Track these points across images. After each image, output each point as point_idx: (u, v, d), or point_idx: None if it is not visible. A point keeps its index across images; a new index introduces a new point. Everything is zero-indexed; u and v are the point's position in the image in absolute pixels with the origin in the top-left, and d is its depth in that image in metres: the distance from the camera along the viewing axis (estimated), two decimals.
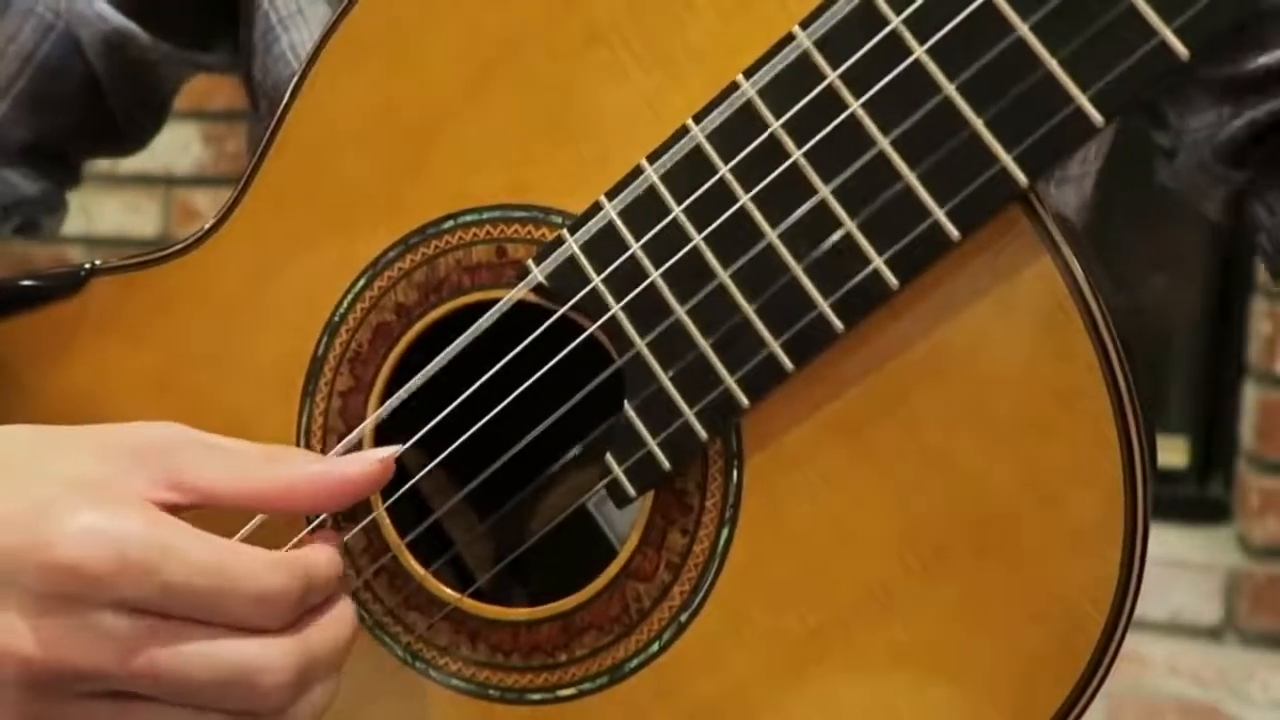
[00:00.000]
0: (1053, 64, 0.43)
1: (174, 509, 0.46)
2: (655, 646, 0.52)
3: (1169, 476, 1.98)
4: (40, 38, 0.72)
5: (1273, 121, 0.65)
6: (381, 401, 0.55)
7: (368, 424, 0.55)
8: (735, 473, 0.50)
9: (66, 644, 0.43)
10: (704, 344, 0.48)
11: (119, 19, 0.72)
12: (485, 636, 0.55)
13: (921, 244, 0.45)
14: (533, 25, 0.51)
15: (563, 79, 0.51)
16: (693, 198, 0.48)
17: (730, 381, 0.48)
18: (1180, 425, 2.03)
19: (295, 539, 0.54)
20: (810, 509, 0.49)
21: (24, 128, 0.74)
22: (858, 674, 0.49)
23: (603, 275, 0.50)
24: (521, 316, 0.52)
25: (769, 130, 0.47)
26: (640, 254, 0.49)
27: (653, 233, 0.49)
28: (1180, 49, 0.41)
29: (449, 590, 0.55)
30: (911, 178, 0.45)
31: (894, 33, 0.45)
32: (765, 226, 0.47)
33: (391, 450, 0.50)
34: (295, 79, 0.55)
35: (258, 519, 0.51)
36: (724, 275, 0.48)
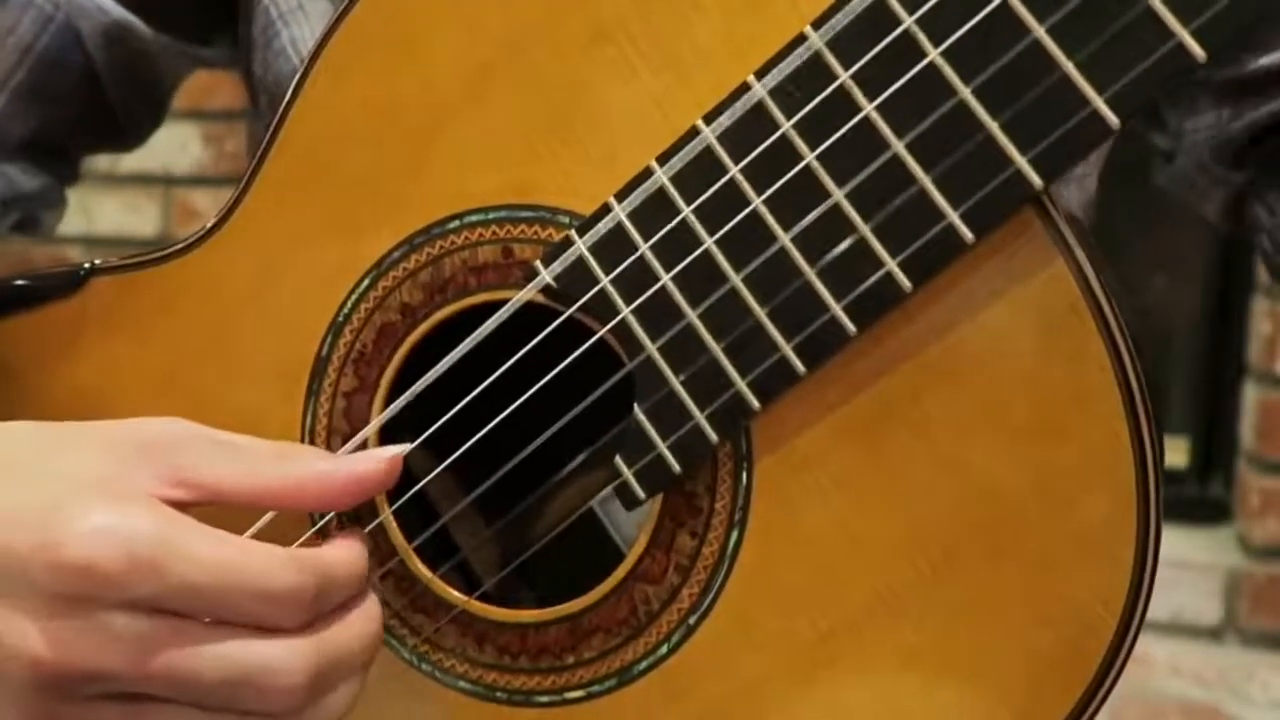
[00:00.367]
0: (1069, 66, 0.43)
1: (181, 505, 0.46)
2: (664, 649, 0.51)
3: (1169, 476, 1.98)
4: (40, 29, 0.72)
5: (1273, 123, 0.65)
6: (386, 403, 0.55)
7: (373, 425, 0.55)
8: (745, 475, 0.50)
9: (77, 645, 0.43)
10: (715, 347, 0.48)
11: (119, 11, 0.72)
12: (492, 639, 0.54)
13: (935, 246, 0.45)
14: (538, 23, 0.51)
15: (569, 78, 0.51)
16: (704, 200, 0.48)
17: (741, 385, 0.48)
18: (1180, 425, 2.04)
19: (302, 538, 0.54)
20: (820, 512, 0.49)
21: (23, 121, 0.73)
22: (868, 677, 0.49)
23: (611, 277, 0.50)
24: (529, 318, 0.51)
25: (781, 132, 0.47)
26: (650, 256, 0.49)
27: (663, 235, 0.49)
28: (1197, 50, 0.41)
29: (456, 593, 0.55)
30: (926, 180, 0.45)
31: (907, 34, 0.44)
32: (778, 229, 0.47)
33: (399, 449, 0.50)
34: (297, 77, 0.55)
35: (266, 517, 0.51)
36: (736, 278, 0.48)
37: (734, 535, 0.50)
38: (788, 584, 0.49)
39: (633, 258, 0.49)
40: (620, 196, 0.49)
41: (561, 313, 0.51)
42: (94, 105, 0.75)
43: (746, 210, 0.47)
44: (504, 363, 0.51)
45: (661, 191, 0.49)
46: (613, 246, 0.50)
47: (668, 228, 0.49)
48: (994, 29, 0.43)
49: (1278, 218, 0.67)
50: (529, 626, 0.54)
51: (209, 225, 0.58)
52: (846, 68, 0.45)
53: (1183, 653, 1.88)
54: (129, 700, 0.44)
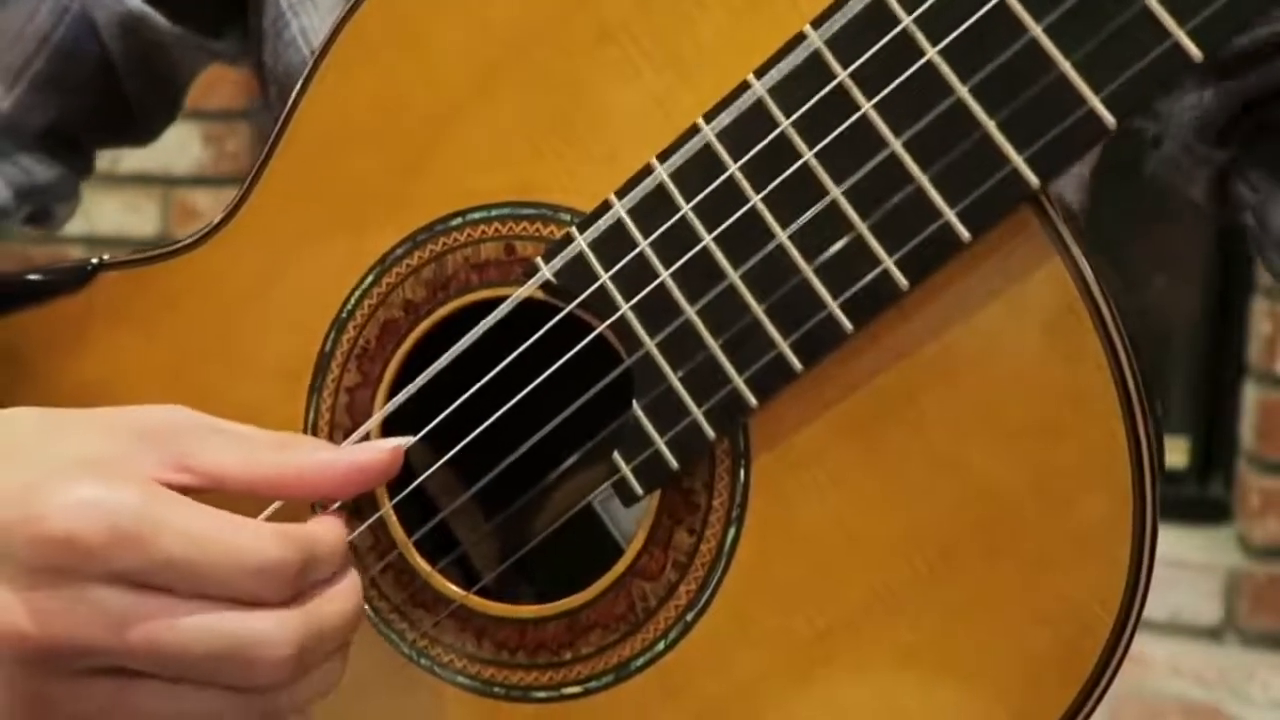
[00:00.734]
0: (1066, 66, 0.43)
1: (182, 491, 0.46)
2: (661, 645, 0.52)
3: (1169, 476, 1.99)
4: (57, 19, 0.72)
5: (1251, 101, 0.65)
6: (388, 398, 0.55)
7: (375, 419, 0.55)
8: (742, 472, 0.50)
9: (61, 618, 0.43)
10: (713, 344, 0.48)
11: (135, 2, 0.72)
12: (491, 634, 0.54)
13: (932, 245, 0.45)
14: (543, 22, 0.51)
15: (572, 77, 0.51)
16: (703, 197, 0.48)
17: (739, 381, 0.48)
18: (1180, 425, 2.04)
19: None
20: (818, 509, 0.49)
21: (42, 111, 0.73)
22: (865, 675, 0.49)
23: (611, 273, 0.50)
24: (530, 314, 0.51)
25: (779, 130, 0.47)
26: (649, 252, 0.49)
27: (662, 232, 0.49)
28: (1194, 50, 0.41)
29: (455, 587, 0.55)
30: (923, 179, 0.45)
31: (905, 33, 0.45)
32: (775, 227, 0.47)
33: (401, 440, 0.50)
34: (304, 74, 0.55)
35: (269, 509, 0.51)
36: (734, 275, 0.48)
37: (731, 532, 0.50)
38: (785, 581, 0.49)
39: (632, 254, 0.49)
40: (620, 194, 0.50)
41: (561, 309, 0.51)
42: (109, 97, 0.75)
43: (745, 208, 0.47)
44: (504, 359, 0.52)
45: (661, 189, 0.49)
46: (612, 243, 0.50)
47: (667, 225, 0.49)
48: (991, 28, 0.43)
49: (1260, 194, 0.67)
50: (527, 622, 0.54)
51: (215, 222, 0.58)
52: (845, 66, 0.46)
53: (1182, 652, 1.88)
54: (116, 676, 0.44)
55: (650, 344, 0.49)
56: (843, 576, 0.49)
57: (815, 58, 0.46)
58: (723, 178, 0.48)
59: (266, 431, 0.49)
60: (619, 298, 0.50)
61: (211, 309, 0.58)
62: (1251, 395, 1.95)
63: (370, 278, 0.55)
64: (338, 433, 0.56)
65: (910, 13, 0.45)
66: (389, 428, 0.55)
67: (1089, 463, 0.46)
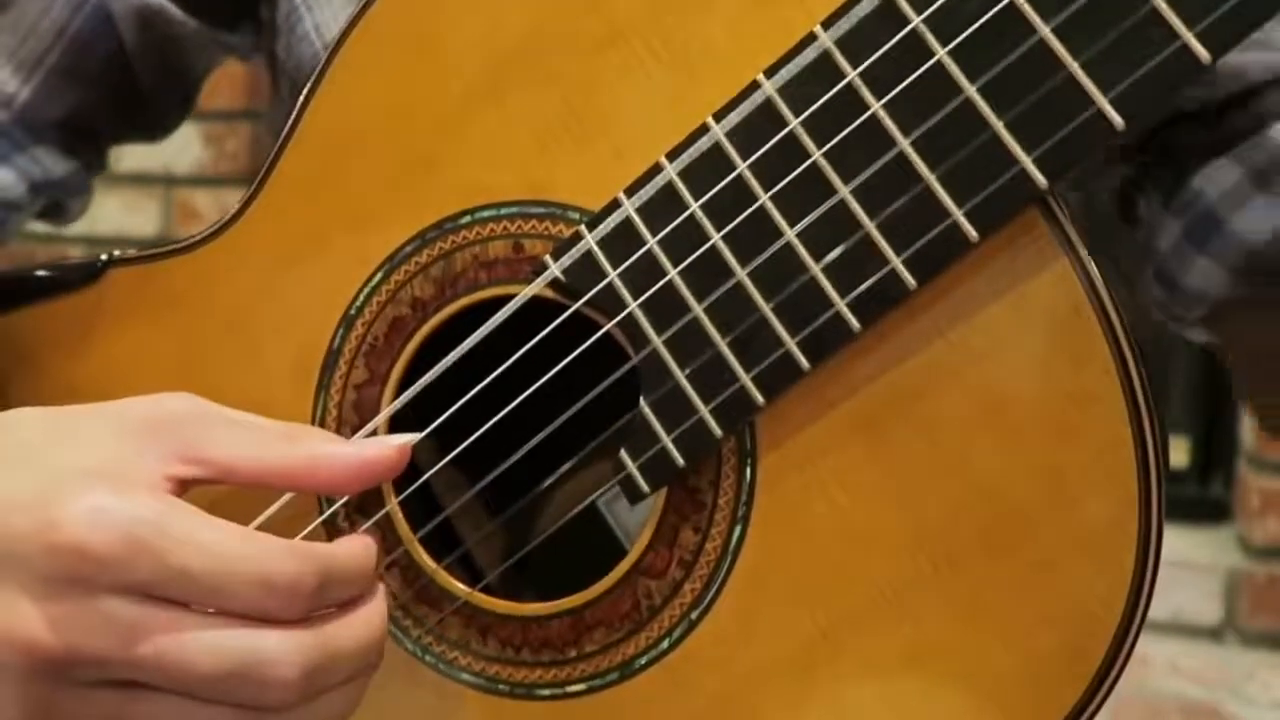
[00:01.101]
0: (1075, 67, 0.43)
1: (191, 482, 0.46)
2: (665, 644, 0.52)
3: (1170, 476, 1.98)
4: (74, 11, 0.72)
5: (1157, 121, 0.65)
6: (396, 395, 0.55)
7: (382, 416, 0.55)
8: (748, 471, 0.50)
9: (72, 628, 0.43)
10: (721, 342, 0.48)
11: None
12: (495, 631, 0.55)
13: (940, 245, 0.45)
14: (553, 22, 0.51)
15: (582, 76, 0.51)
16: (711, 195, 0.48)
17: (746, 380, 0.48)
18: (1180, 425, 2.03)
19: (307, 529, 0.54)
20: (823, 508, 0.49)
21: (57, 103, 0.74)
22: (869, 674, 0.49)
23: (619, 271, 0.50)
24: (538, 312, 0.51)
25: (789, 129, 0.47)
26: (658, 251, 0.49)
27: (671, 230, 0.49)
28: (1202, 53, 0.41)
29: (460, 585, 0.55)
30: (931, 179, 0.45)
31: (915, 33, 0.45)
32: (784, 225, 0.47)
33: (410, 436, 0.50)
34: (315, 72, 0.55)
35: (277, 504, 0.51)
36: (742, 274, 0.48)
37: (737, 531, 0.50)
38: (790, 580, 0.50)
39: (640, 252, 0.49)
40: (630, 192, 0.50)
41: (569, 307, 0.51)
42: (124, 90, 0.75)
43: (754, 206, 0.48)
44: (512, 356, 0.52)
45: (670, 187, 0.49)
46: (621, 241, 0.50)
47: (676, 223, 0.49)
48: (1001, 29, 0.44)
49: (1150, 217, 0.67)
50: (532, 620, 0.54)
51: (225, 218, 0.58)
52: (855, 66, 0.46)
53: (1183, 652, 1.88)
54: (123, 688, 0.44)
55: (658, 342, 0.49)
56: (848, 575, 0.49)
57: (825, 57, 0.46)
58: (731, 176, 0.48)
59: (277, 423, 0.48)
60: (627, 295, 0.50)
61: (221, 305, 0.58)
62: None
63: (379, 275, 0.55)
64: (345, 429, 0.56)
65: (920, 13, 0.45)
66: (396, 425, 0.55)
67: (1095, 464, 0.46)
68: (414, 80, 0.54)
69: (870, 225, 0.46)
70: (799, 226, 0.47)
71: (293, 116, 0.56)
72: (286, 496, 0.51)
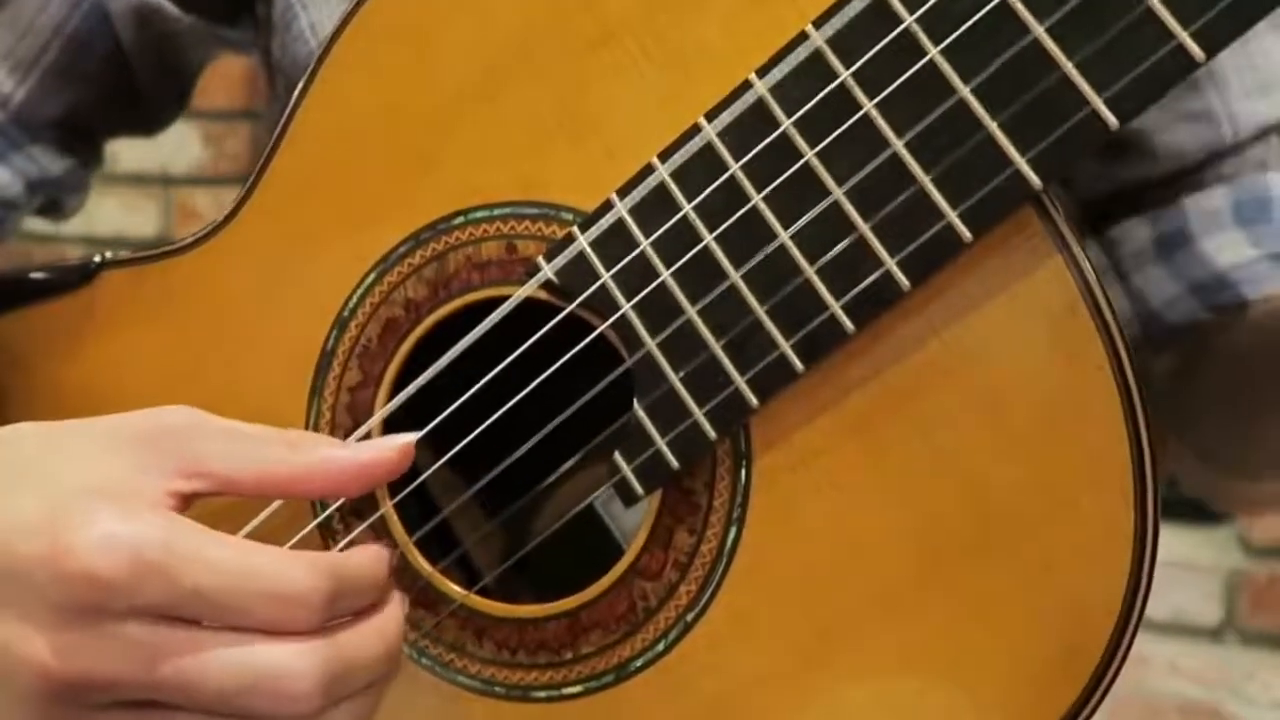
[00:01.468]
0: (1069, 67, 0.43)
1: (194, 496, 0.46)
2: (661, 646, 0.52)
3: (1169, 477, 1.98)
4: (71, 10, 0.72)
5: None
6: (390, 397, 0.55)
7: (376, 418, 0.55)
8: (743, 472, 0.50)
9: (85, 654, 0.43)
10: (714, 344, 0.48)
11: None
12: (491, 634, 0.54)
13: (934, 246, 0.45)
14: (546, 21, 0.51)
15: (575, 76, 0.51)
16: (704, 197, 0.48)
17: (740, 382, 0.48)
18: None
19: (301, 533, 0.54)
20: (818, 509, 0.49)
21: (53, 102, 0.74)
22: (865, 676, 0.49)
23: (612, 272, 0.50)
24: (532, 314, 0.51)
25: (781, 129, 0.47)
26: (650, 252, 0.49)
27: (663, 231, 0.49)
28: (1197, 51, 0.41)
29: (456, 587, 0.55)
30: (925, 179, 0.45)
31: (907, 32, 0.45)
32: (777, 227, 0.47)
33: (410, 436, 0.50)
34: (308, 71, 0.55)
35: (269, 509, 0.51)
36: (735, 275, 0.48)
37: (732, 532, 0.50)
38: (785, 581, 0.49)
39: (633, 253, 0.49)
40: (622, 193, 0.50)
41: (563, 309, 0.51)
42: (121, 88, 0.75)
43: (746, 207, 0.47)
44: (506, 358, 0.52)
45: (662, 188, 0.49)
46: (614, 242, 0.50)
47: (668, 224, 0.49)
48: (994, 28, 0.43)
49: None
50: (527, 622, 0.54)
51: (218, 220, 0.58)
52: (847, 66, 0.46)
53: (1182, 652, 1.88)
54: (141, 709, 0.44)
55: (651, 344, 0.49)
56: (843, 577, 0.49)
57: (817, 57, 0.46)
58: (724, 177, 0.48)
59: (274, 430, 0.48)
60: (620, 297, 0.50)
61: (214, 307, 0.58)
62: None
63: (372, 276, 0.55)
64: (339, 431, 0.56)
65: (912, 12, 0.44)
66: (390, 427, 0.55)
67: (1090, 463, 0.46)
68: (406, 79, 0.54)
69: (864, 227, 0.46)
70: (792, 228, 0.47)
71: (285, 115, 0.56)
72: (278, 502, 0.51)
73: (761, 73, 0.47)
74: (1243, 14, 0.41)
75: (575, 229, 0.51)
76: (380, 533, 0.55)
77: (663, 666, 0.52)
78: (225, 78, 1.93)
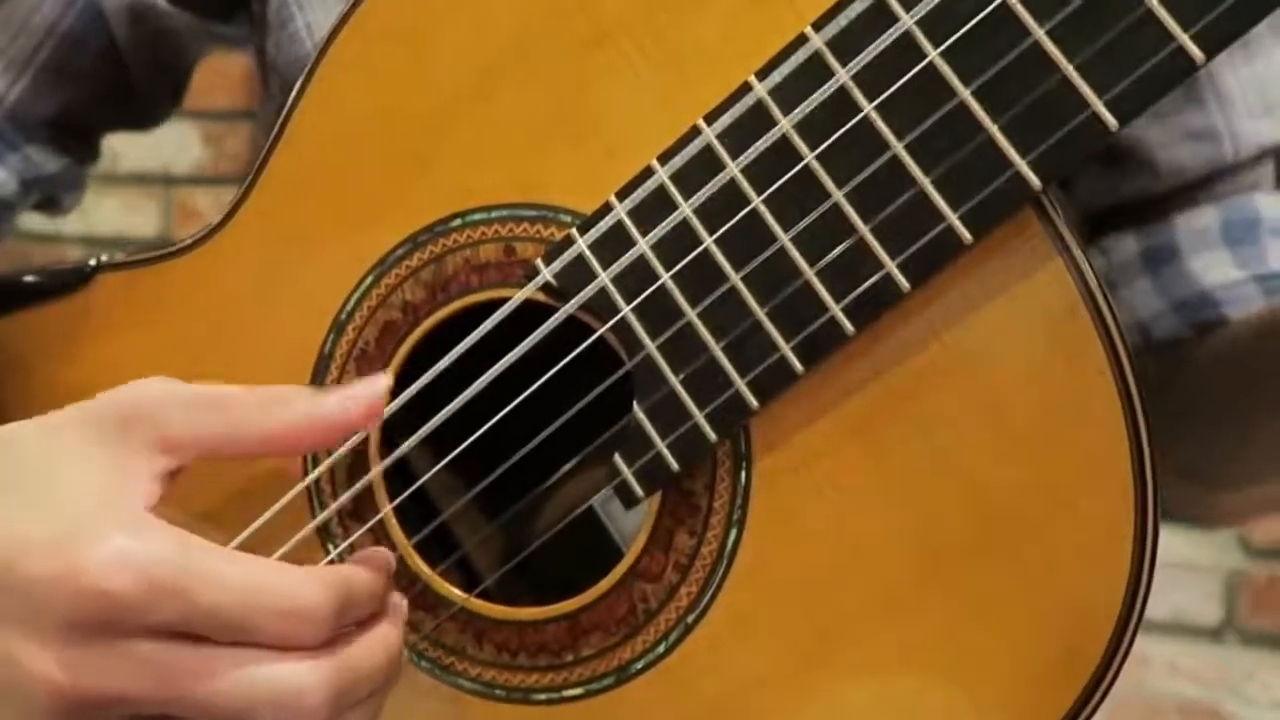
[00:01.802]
0: (1069, 69, 0.43)
1: (180, 469, 0.46)
2: (662, 648, 0.52)
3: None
4: (65, 8, 0.72)
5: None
6: (388, 400, 0.55)
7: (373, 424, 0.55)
8: (743, 474, 0.50)
9: (96, 671, 0.43)
10: (715, 346, 0.48)
11: None
12: (491, 636, 0.54)
13: (934, 247, 0.45)
14: (543, 22, 0.51)
15: (572, 77, 0.51)
16: (704, 199, 0.48)
17: (740, 384, 0.48)
18: None
19: (299, 535, 0.54)
20: (819, 511, 0.49)
21: (47, 101, 0.73)
22: (865, 677, 0.49)
23: (611, 275, 0.50)
24: (531, 316, 0.51)
25: (781, 132, 0.47)
26: (650, 254, 0.49)
27: (663, 234, 0.49)
28: (1197, 54, 0.41)
29: (455, 590, 0.55)
30: (925, 182, 0.45)
31: (907, 35, 0.45)
32: (777, 229, 0.47)
33: (380, 377, 0.49)
34: (304, 73, 0.55)
35: (265, 515, 0.51)
36: (735, 278, 0.48)
37: (732, 534, 0.50)
38: (785, 583, 0.49)
39: (633, 256, 0.49)
40: (621, 195, 0.49)
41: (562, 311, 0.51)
42: (115, 85, 0.75)
43: (746, 209, 0.47)
44: (505, 361, 0.51)
45: (662, 190, 0.49)
46: (613, 245, 0.50)
47: (668, 226, 0.49)
48: (994, 31, 0.43)
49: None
50: (527, 624, 0.54)
51: (214, 223, 0.58)
52: (846, 68, 0.46)
53: (1182, 653, 1.88)
54: None
55: (651, 346, 0.49)
56: (843, 578, 0.49)
57: (816, 59, 0.46)
58: (724, 180, 0.48)
59: (249, 390, 0.48)
60: (620, 300, 0.50)
61: (210, 310, 0.58)
62: None
63: (370, 279, 0.55)
64: None
65: (912, 14, 0.44)
66: (389, 430, 0.55)
67: (1090, 464, 0.46)
68: (403, 80, 0.53)
69: (864, 229, 0.46)
70: (792, 230, 0.47)
71: (282, 116, 0.56)
72: (278, 505, 0.51)
73: (761, 75, 0.47)
74: (1243, 16, 0.41)
75: (574, 231, 0.50)
76: (380, 536, 0.55)
77: (663, 668, 0.52)
78: (225, 77, 1.93)
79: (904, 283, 0.46)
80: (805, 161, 0.46)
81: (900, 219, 0.45)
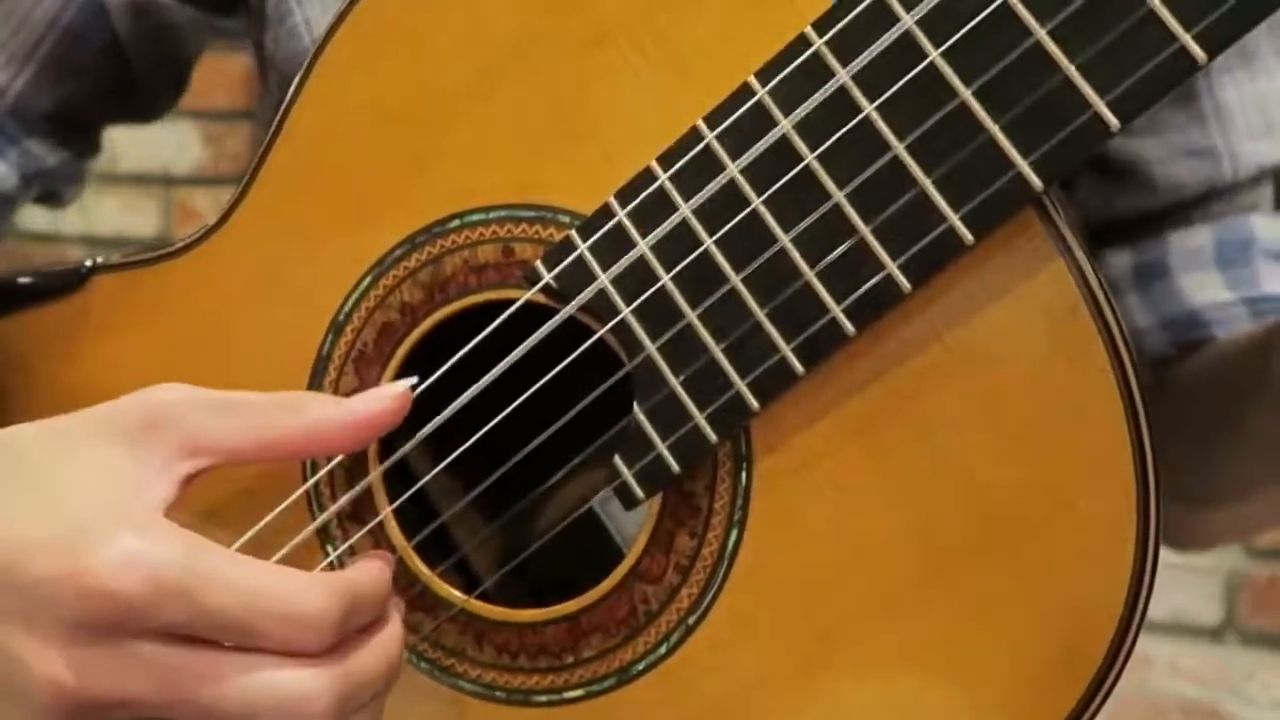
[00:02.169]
0: (1071, 69, 0.43)
1: (199, 473, 0.46)
2: (663, 649, 0.51)
3: None
4: (66, 2, 0.72)
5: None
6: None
7: None
8: (744, 475, 0.50)
9: (101, 672, 0.43)
10: (715, 348, 0.48)
11: None
12: (491, 638, 0.54)
13: (935, 248, 0.45)
14: (542, 22, 0.51)
15: (572, 77, 0.51)
16: (704, 200, 0.48)
17: (741, 385, 0.48)
18: None
19: (299, 537, 0.54)
20: (819, 511, 0.49)
21: (48, 94, 0.73)
22: (866, 677, 0.49)
23: (611, 277, 0.50)
24: (531, 318, 0.51)
25: (781, 133, 0.47)
26: (650, 256, 0.49)
27: (663, 235, 0.49)
28: (1199, 53, 0.41)
29: (455, 592, 0.55)
30: (926, 183, 0.45)
31: (908, 35, 0.44)
32: (777, 230, 0.47)
33: (406, 383, 0.49)
34: (300, 72, 0.55)
35: (267, 518, 0.51)
36: (735, 279, 0.48)
37: (733, 535, 0.50)
38: (786, 584, 0.49)
39: (633, 258, 0.49)
40: (620, 196, 0.49)
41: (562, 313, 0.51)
42: (117, 79, 0.75)
43: (746, 211, 0.47)
44: (504, 362, 0.51)
45: (662, 191, 0.49)
46: (613, 246, 0.50)
47: (668, 228, 0.49)
48: (995, 30, 0.43)
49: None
50: (527, 626, 0.54)
51: (210, 224, 0.58)
52: (847, 68, 0.45)
53: (1183, 653, 1.88)
54: None
55: (651, 348, 0.49)
56: (844, 579, 0.49)
57: (816, 59, 0.46)
58: (724, 181, 0.48)
59: (267, 395, 0.48)
60: (620, 301, 0.50)
61: (208, 311, 0.58)
62: None
63: (368, 280, 0.55)
64: None
65: (912, 14, 0.44)
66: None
67: (1092, 465, 0.45)
68: (400, 78, 0.53)
69: (865, 229, 0.46)
70: (793, 231, 0.47)
71: (279, 114, 0.55)
72: (280, 509, 0.51)
73: (761, 75, 0.47)
74: (1245, 16, 0.41)
75: (574, 233, 0.50)
76: (379, 537, 0.55)
77: (664, 669, 0.52)
78: (226, 77, 1.93)
79: (905, 283, 0.46)
80: (805, 162, 0.46)
81: (901, 220, 0.45)
